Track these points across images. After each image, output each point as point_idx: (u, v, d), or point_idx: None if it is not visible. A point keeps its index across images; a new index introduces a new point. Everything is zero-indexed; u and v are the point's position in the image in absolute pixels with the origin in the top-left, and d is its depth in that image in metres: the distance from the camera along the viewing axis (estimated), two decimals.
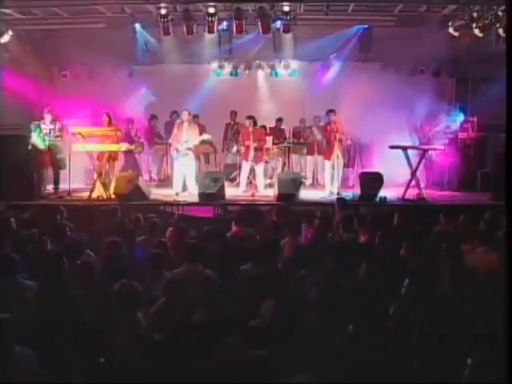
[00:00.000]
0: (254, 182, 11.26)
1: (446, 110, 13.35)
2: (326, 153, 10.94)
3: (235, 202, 10.31)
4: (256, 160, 11.08)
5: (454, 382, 3.16)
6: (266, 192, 11.08)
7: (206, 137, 11.19)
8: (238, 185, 11.77)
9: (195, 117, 12.05)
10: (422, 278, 4.79)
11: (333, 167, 10.79)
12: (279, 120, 12.63)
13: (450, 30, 11.70)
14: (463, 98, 13.53)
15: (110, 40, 12.16)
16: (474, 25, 11.08)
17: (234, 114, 12.83)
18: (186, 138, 10.72)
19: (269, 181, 12.06)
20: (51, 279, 4.82)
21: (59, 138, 10.83)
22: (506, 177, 4.36)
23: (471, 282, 4.58)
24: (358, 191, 10.24)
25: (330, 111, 10.70)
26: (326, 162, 10.94)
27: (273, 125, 12.70)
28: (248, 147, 11.04)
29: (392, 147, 10.61)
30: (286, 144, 12.25)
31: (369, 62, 12.25)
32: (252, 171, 11.25)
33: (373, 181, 10.16)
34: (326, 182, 11.10)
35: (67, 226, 7.37)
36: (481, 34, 11.11)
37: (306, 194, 10.69)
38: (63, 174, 10.92)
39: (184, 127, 10.76)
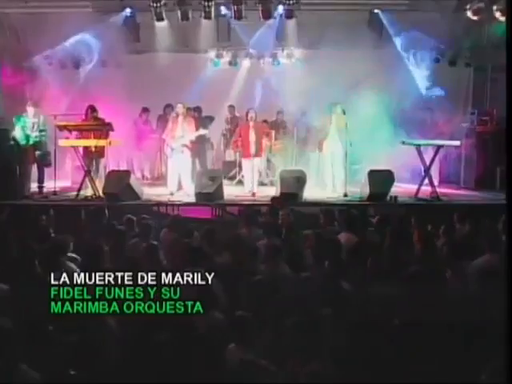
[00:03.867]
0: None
1: (462, 101, 13.56)
2: (322, 146, 11.19)
3: (234, 203, 10.50)
4: (255, 155, 11.21)
5: (456, 382, 3.40)
6: (267, 191, 11.22)
7: (203, 132, 11.29)
8: (237, 184, 12.00)
9: (196, 110, 12.17)
10: (431, 281, 5.02)
11: (332, 163, 11.05)
12: (280, 113, 12.75)
13: (468, 13, 11.81)
14: (482, 88, 13.67)
15: (98, 26, 12.31)
16: (495, 7, 11.14)
17: (232, 108, 12.98)
18: (182, 132, 10.84)
19: (270, 179, 12.24)
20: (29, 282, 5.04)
21: (44, 133, 10.94)
22: (506, 177, 4.55)
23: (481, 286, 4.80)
24: (366, 190, 10.32)
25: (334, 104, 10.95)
26: (325, 157, 11.20)
27: (274, 118, 12.84)
28: (248, 143, 11.17)
29: (404, 143, 10.76)
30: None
31: (379, 50, 12.30)
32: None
33: (383, 179, 10.29)
34: (326, 179, 11.33)
35: (51, 227, 7.58)
36: (502, 18, 11.11)
37: (309, 193, 10.80)
38: (48, 171, 11.06)
39: (179, 121, 10.89)
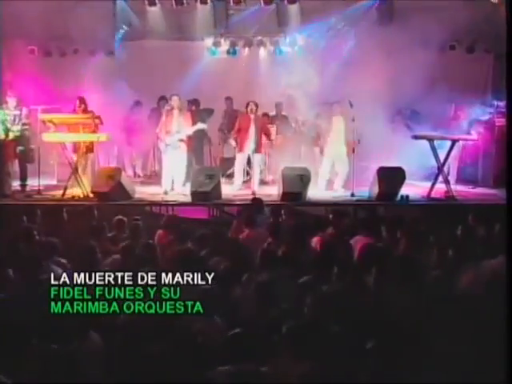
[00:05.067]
0: (250, 175, 11.71)
1: (481, 91, 13.74)
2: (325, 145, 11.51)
3: (233, 202, 10.74)
4: (255, 150, 11.45)
5: (455, 382, 3.73)
6: (268, 190, 11.48)
7: (201, 126, 11.50)
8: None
9: (193, 103, 12.44)
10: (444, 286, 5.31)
11: (337, 160, 11.37)
12: (281, 105, 12.96)
13: None
14: (502, 77, 13.82)
15: (86, 11, 12.42)
16: None
17: (229, 100, 13.24)
18: (177, 127, 11.09)
19: (271, 177, 12.46)
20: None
21: (26, 126, 11.16)
22: (507, 176, 4.80)
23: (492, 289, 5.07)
24: (375, 189, 10.58)
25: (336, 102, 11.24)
26: (330, 153, 11.53)
27: (274, 111, 13.04)
28: (247, 137, 11.39)
29: (416, 137, 11.03)
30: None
31: (389, 37, 12.33)
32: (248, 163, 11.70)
33: (393, 177, 10.55)
34: (331, 177, 11.65)
35: (35, 229, 7.76)
36: None
37: (315, 192, 11.10)
38: (31, 168, 11.29)
39: (174, 115, 11.14)
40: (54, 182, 12.00)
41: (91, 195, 10.49)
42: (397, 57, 11.84)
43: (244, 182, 11.92)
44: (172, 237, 7.62)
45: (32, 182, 11.27)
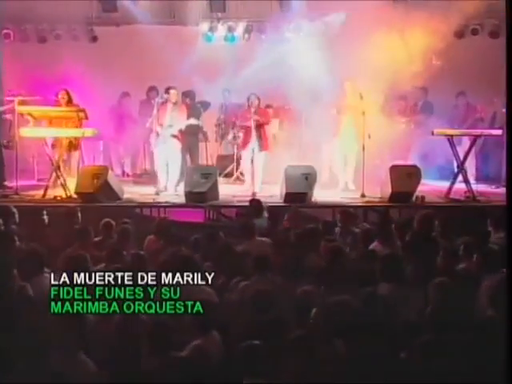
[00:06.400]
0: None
1: (505, 80, 13.96)
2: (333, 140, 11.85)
3: (231, 204, 11.04)
4: (258, 148, 11.78)
5: (455, 382, 4.12)
6: (271, 190, 11.70)
7: (194, 121, 11.81)
8: (235, 181, 12.60)
9: (188, 95, 12.80)
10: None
11: (346, 157, 11.66)
12: (283, 97, 13.11)
13: None
14: None
15: None
16: None
17: (226, 92, 13.54)
18: (170, 121, 11.41)
19: (273, 176, 12.46)
20: None
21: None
22: (507, 177, 5.14)
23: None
24: (388, 189, 10.79)
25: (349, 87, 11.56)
26: (337, 149, 11.87)
27: (278, 103, 13.38)
28: (248, 133, 11.77)
29: (434, 133, 11.27)
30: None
31: (403, 21, 12.33)
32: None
33: (407, 176, 10.78)
34: (339, 176, 11.96)
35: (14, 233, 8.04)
36: None
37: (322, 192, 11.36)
38: (8, 166, 11.61)
39: (168, 108, 11.46)
40: (34, 182, 12.30)
41: (75, 196, 10.67)
42: (412, 44, 12.13)
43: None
44: (164, 242, 7.86)
45: (9, 182, 11.54)
